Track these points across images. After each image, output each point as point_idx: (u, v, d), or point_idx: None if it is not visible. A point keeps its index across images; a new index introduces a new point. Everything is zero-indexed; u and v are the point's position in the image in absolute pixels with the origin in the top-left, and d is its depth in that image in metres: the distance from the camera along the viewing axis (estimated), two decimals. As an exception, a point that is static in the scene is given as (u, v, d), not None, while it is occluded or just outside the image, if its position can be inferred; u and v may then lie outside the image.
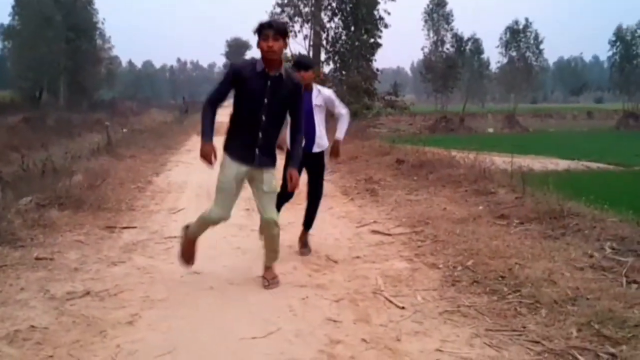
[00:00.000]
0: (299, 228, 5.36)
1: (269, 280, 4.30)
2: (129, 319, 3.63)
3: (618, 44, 57.10)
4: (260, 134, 4.02)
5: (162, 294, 4.09)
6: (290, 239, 5.35)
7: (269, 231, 4.26)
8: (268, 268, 4.39)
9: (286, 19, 26.39)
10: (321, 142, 5.15)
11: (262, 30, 3.87)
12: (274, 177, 4.20)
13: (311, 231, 5.35)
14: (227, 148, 4.11)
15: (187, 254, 4.42)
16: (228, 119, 4.13)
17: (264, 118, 4.00)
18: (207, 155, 3.98)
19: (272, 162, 4.16)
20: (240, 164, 4.04)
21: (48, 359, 3.07)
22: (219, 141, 4.07)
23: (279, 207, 5.15)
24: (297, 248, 5.24)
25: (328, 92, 5.21)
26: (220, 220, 4.19)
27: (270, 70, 3.94)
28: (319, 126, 5.11)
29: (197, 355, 3.15)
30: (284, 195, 5.16)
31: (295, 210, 5.88)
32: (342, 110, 5.27)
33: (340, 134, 5.30)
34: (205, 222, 4.28)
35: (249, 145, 4.03)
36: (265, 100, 3.97)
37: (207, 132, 4.00)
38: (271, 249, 4.34)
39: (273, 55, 3.89)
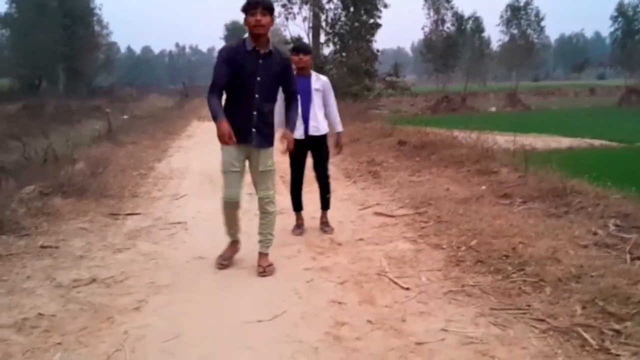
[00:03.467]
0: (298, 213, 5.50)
1: (265, 267, 4.23)
2: (136, 305, 3.65)
3: (620, 19, 56.28)
4: (254, 113, 4.07)
5: (167, 280, 4.11)
6: (292, 223, 5.45)
7: (264, 209, 4.30)
8: (263, 255, 4.33)
9: (285, 1, 26.17)
10: (319, 125, 5.20)
11: (250, 6, 3.91)
12: (270, 157, 4.25)
13: (329, 211, 5.53)
14: None
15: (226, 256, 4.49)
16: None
17: (257, 96, 4.04)
18: (223, 134, 3.82)
19: (268, 142, 4.21)
20: (239, 145, 4.05)
21: (56, 346, 3.08)
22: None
23: (298, 193, 5.40)
24: (319, 227, 5.41)
25: (325, 78, 5.31)
26: (231, 199, 4.25)
27: (260, 48, 4.00)
28: (317, 110, 5.19)
29: (203, 339, 3.17)
30: (296, 182, 5.40)
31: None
32: (332, 100, 5.32)
33: (339, 126, 5.42)
34: (224, 207, 4.35)
35: (245, 126, 4.06)
36: (258, 78, 4.02)
37: (218, 111, 3.89)
38: (267, 231, 4.34)
39: (261, 30, 3.92)
